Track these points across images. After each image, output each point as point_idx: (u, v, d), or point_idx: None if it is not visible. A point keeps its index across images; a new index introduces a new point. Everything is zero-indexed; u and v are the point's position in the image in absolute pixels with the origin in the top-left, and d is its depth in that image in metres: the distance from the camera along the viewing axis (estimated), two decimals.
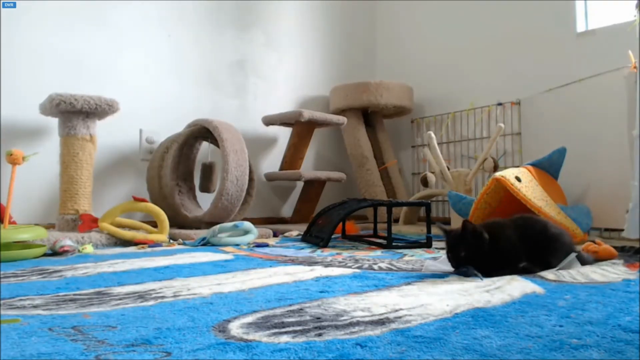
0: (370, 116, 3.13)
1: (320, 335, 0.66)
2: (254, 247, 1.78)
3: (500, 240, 1.15)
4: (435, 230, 1.85)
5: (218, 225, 1.89)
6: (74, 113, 1.91)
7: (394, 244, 1.75)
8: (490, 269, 1.14)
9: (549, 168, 2.06)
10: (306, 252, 1.63)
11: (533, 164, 2.03)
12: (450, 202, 2.22)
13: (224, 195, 2.05)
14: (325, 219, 1.99)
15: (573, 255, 1.23)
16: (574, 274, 1.16)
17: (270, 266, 1.31)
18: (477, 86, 2.97)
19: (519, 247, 1.17)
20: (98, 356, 0.58)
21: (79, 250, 1.62)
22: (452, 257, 1.15)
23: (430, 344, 0.62)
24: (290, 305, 0.84)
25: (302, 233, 2.14)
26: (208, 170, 2.41)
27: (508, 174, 1.80)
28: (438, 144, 2.61)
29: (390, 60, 3.52)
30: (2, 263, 1.37)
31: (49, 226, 1.99)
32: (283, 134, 2.93)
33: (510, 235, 1.17)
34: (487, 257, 1.14)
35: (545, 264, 1.19)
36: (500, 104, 2.83)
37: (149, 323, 0.73)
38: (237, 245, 1.83)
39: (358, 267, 1.28)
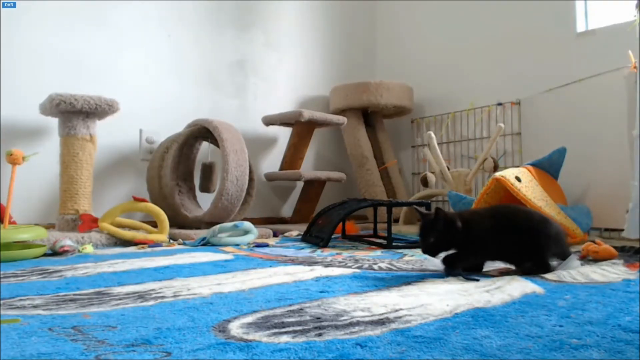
0: (370, 116, 3.13)
1: (320, 335, 0.66)
2: (254, 247, 1.78)
3: (474, 229, 1.14)
4: None
5: (218, 225, 1.89)
6: (74, 113, 1.91)
7: (394, 244, 1.76)
8: (464, 256, 1.15)
9: (549, 168, 2.06)
10: (306, 252, 1.63)
11: (533, 164, 2.03)
12: (450, 202, 2.22)
13: (224, 195, 2.05)
14: (325, 219, 1.99)
15: (573, 256, 1.23)
16: (574, 274, 1.16)
17: (270, 266, 1.31)
18: (477, 86, 2.97)
19: (494, 237, 1.14)
20: (98, 356, 0.58)
21: (79, 250, 1.62)
22: (422, 242, 1.16)
23: (430, 344, 0.62)
24: (290, 305, 0.84)
25: (302, 233, 2.14)
26: (208, 170, 2.41)
27: (508, 174, 1.80)
28: (438, 144, 2.61)
29: (390, 60, 3.52)
30: (2, 263, 1.37)
31: (49, 226, 1.99)
32: (283, 134, 2.93)
33: (485, 225, 1.15)
34: (459, 246, 1.15)
35: (535, 256, 1.16)
36: (500, 104, 2.83)
37: (149, 323, 0.73)
38: (237, 245, 1.83)
39: (358, 267, 1.28)
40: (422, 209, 1.21)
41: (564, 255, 1.21)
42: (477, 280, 1.07)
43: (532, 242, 1.15)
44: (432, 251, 1.16)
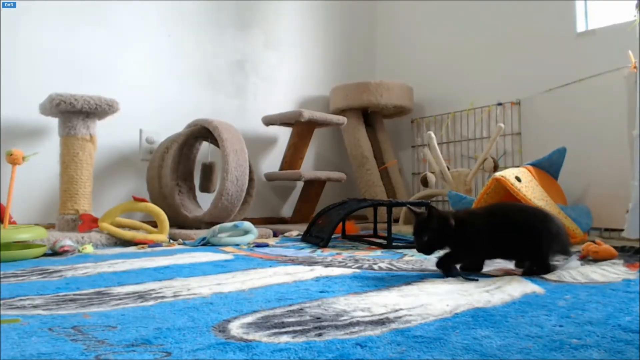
0: (370, 116, 3.13)
1: (320, 335, 0.66)
2: (254, 247, 1.78)
3: (469, 228, 1.14)
4: None
5: (218, 225, 1.89)
6: (74, 113, 1.91)
7: (394, 244, 1.76)
8: (459, 255, 1.15)
9: (549, 168, 2.06)
10: (306, 252, 1.63)
11: (533, 164, 2.03)
12: (450, 202, 2.22)
13: (224, 195, 2.05)
14: (325, 219, 1.99)
15: (574, 256, 1.23)
16: (574, 274, 1.16)
17: (270, 266, 1.31)
18: (477, 86, 2.97)
19: (488, 236, 1.13)
20: (98, 356, 0.58)
21: (79, 250, 1.62)
22: (416, 241, 1.16)
23: (430, 344, 0.62)
24: (290, 305, 0.84)
25: (302, 233, 2.14)
26: (208, 170, 2.41)
27: (508, 174, 1.80)
28: (438, 144, 2.61)
29: (390, 60, 3.52)
30: (2, 263, 1.37)
31: (49, 226, 2.00)
32: (283, 134, 2.93)
33: (480, 223, 1.15)
34: (453, 244, 1.15)
35: (536, 256, 1.15)
36: (500, 104, 2.83)
37: (149, 323, 0.73)
38: (237, 245, 1.83)
39: (358, 267, 1.28)
40: (416, 208, 1.21)
41: (565, 252, 1.19)
42: (477, 280, 1.06)
43: (533, 241, 1.14)
44: (426, 250, 1.16)
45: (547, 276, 1.12)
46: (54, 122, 2.04)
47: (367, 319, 0.75)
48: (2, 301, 0.88)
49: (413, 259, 1.45)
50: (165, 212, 1.96)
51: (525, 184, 1.80)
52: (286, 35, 3.08)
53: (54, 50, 2.18)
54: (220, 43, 2.76)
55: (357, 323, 0.72)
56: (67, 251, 1.55)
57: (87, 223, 1.85)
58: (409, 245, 1.77)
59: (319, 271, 1.22)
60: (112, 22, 2.36)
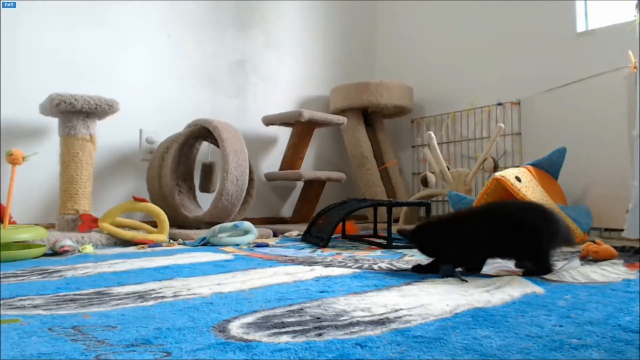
0: (370, 116, 3.13)
1: (320, 335, 0.66)
2: (254, 247, 1.78)
3: (462, 230, 1.14)
4: None
5: (218, 225, 1.89)
6: (74, 113, 1.91)
7: (394, 244, 1.75)
8: (457, 259, 1.16)
9: (549, 168, 2.06)
10: (306, 252, 1.63)
11: (533, 164, 2.03)
12: (450, 202, 2.22)
13: (224, 195, 2.05)
14: (325, 219, 1.99)
15: (574, 257, 1.22)
16: (574, 274, 1.16)
17: (270, 266, 1.31)
18: (477, 86, 2.97)
19: (489, 234, 1.12)
20: (98, 356, 0.58)
21: (79, 250, 1.62)
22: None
23: (430, 344, 0.62)
24: (290, 305, 0.84)
25: (302, 233, 2.14)
26: (208, 170, 2.41)
27: (508, 174, 1.80)
28: (438, 144, 2.61)
29: (390, 60, 3.52)
30: (2, 263, 1.37)
31: (49, 226, 1.99)
32: (283, 134, 2.93)
33: (472, 227, 1.14)
34: (449, 249, 1.15)
35: (535, 256, 1.13)
36: (500, 104, 2.83)
37: (149, 323, 0.73)
38: (237, 245, 1.83)
39: (358, 267, 1.28)
40: (406, 226, 1.25)
41: (569, 244, 1.18)
42: (466, 281, 1.05)
43: (532, 241, 1.12)
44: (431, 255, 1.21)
45: (547, 276, 1.12)
46: (54, 122, 2.04)
47: (367, 319, 0.75)
48: (2, 301, 0.88)
49: (413, 259, 1.45)
50: (165, 212, 1.96)
51: (525, 184, 1.80)
52: (286, 35, 3.08)
53: (54, 50, 2.18)
54: (220, 43, 2.76)
55: (357, 323, 0.72)
56: (67, 251, 1.55)
57: (87, 223, 1.85)
58: (409, 245, 1.76)
59: (319, 271, 1.22)
60: (112, 22, 2.36)
